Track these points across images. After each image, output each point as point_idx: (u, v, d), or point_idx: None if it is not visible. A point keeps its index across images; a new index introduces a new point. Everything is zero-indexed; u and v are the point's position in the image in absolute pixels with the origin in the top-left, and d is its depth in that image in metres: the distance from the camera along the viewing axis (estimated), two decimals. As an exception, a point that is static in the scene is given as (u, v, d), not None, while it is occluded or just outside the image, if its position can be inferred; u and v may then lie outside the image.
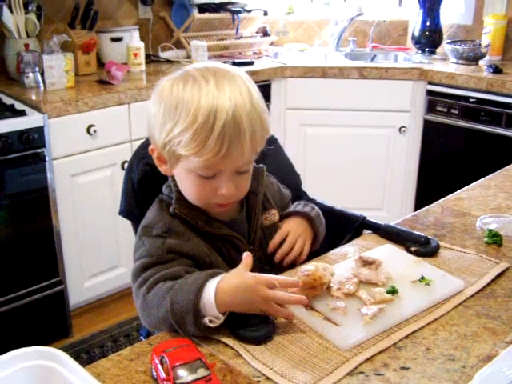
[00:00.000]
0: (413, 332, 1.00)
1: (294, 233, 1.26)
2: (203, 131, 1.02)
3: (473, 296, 1.11)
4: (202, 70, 1.09)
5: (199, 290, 0.97)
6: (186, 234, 1.14)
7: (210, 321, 0.96)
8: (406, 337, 0.98)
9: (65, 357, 0.79)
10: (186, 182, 1.13)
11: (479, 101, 2.94)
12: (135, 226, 1.34)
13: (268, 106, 2.98)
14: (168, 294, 1.00)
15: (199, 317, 0.96)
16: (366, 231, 1.39)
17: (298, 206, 1.33)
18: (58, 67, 2.59)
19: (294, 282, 1.03)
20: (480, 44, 3.27)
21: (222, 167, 1.07)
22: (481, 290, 1.13)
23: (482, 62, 3.23)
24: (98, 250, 2.68)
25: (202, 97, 1.03)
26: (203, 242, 1.15)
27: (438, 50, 3.55)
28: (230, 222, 1.20)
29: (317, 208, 1.33)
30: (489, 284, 1.15)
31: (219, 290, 0.97)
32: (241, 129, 1.03)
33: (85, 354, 2.52)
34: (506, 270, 1.20)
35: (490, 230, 1.34)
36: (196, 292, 0.97)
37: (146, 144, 1.34)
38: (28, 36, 2.75)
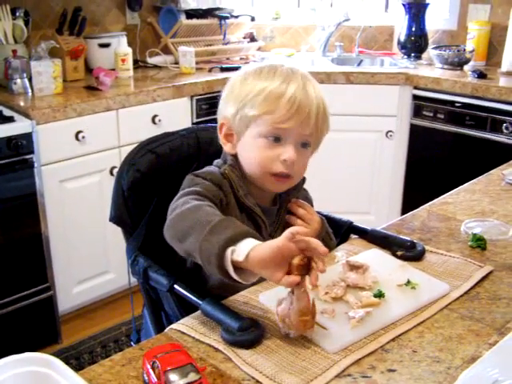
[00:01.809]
0: (399, 335, 1.01)
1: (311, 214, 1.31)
2: (276, 93, 1.16)
3: (458, 299, 1.13)
4: (279, 63, 1.23)
5: (251, 233, 0.99)
6: (228, 196, 1.21)
7: (232, 255, 0.96)
8: (393, 339, 1.00)
9: (58, 363, 0.80)
10: (251, 148, 1.20)
11: (464, 105, 2.98)
12: (125, 232, 1.35)
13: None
14: (221, 215, 1.04)
15: (233, 240, 0.96)
16: (353, 236, 1.42)
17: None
18: (46, 73, 2.59)
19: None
20: (464, 49, 3.31)
21: (289, 130, 1.16)
22: (465, 293, 1.15)
23: (466, 67, 3.27)
24: (86, 256, 2.69)
25: (276, 74, 1.18)
26: (236, 212, 1.21)
27: (424, 55, 3.59)
28: (263, 209, 1.26)
29: (334, 240, 1.37)
30: (473, 287, 1.17)
31: (259, 244, 0.97)
32: (309, 99, 1.17)
33: (74, 360, 2.52)
34: (490, 273, 1.23)
35: (475, 234, 1.36)
36: (250, 231, 0.99)
37: (136, 151, 1.35)
38: (16, 42, 2.75)
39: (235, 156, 1.25)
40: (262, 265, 0.94)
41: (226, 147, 1.26)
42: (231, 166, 1.23)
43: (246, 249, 0.95)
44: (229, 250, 0.95)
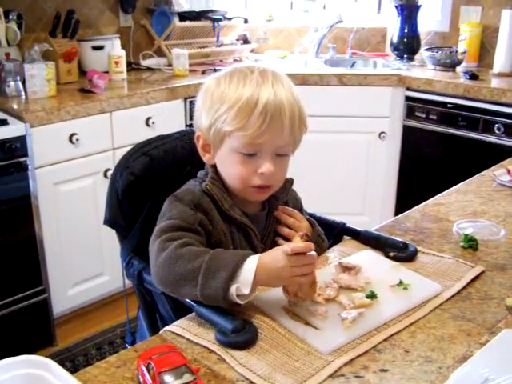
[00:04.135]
0: (392, 335, 1.03)
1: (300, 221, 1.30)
2: (247, 107, 1.12)
3: (449, 299, 1.14)
4: (248, 65, 1.20)
5: (244, 256, 1.04)
6: (211, 213, 1.19)
7: (237, 291, 1.02)
8: (385, 340, 1.01)
9: (53, 365, 0.81)
10: (228, 163, 1.19)
11: (456, 106, 3.00)
12: (120, 235, 1.36)
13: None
14: (205, 254, 1.05)
15: (233, 278, 1.01)
16: (345, 237, 1.43)
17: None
18: (40, 76, 2.59)
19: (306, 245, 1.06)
20: (456, 51, 3.33)
21: (263, 144, 1.14)
22: (457, 293, 1.16)
23: (458, 69, 3.29)
24: (81, 258, 2.69)
25: (246, 82, 1.15)
26: (223, 226, 1.20)
27: (416, 57, 3.61)
28: (250, 216, 1.25)
29: (326, 241, 1.37)
30: (465, 287, 1.18)
31: (260, 264, 1.04)
32: (281, 109, 1.13)
33: (69, 363, 2.52)
34: (481, 273, 1.24)
35: (466, 235, 1.37)
36: (241, 257, 1.04)
37: (130, 154, 1.36)
38: (9, 45, 2.75)
39: (215, 166, 1.23)
40: (268, 285, 1.09)
41: (205, 158, 1.24)
42: (212, 178, 1.22)
43: (249, 280, 1.02)
44: (233, 288, 1.01)
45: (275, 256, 1.05)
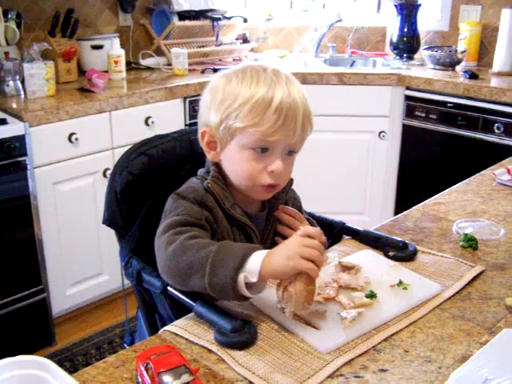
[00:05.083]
0: (391, 335, 1.02)
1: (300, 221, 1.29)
2: (262, 104, 1.12)
3: (449, 299, 1.14)
4: (260, 64, 1.21)
5: (254, 248, 1.04)
6: (214, 211, 1.18)
7: (245, 279, 1.00)
8: (385, 340, 1.01)
9: (52, 365, 0.80)
10: (237, 160, 1.18)
11: (456, 106, 3.00)
12: (118, 234, 1.36)
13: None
14: (213, 245, 1.04)
15: (241, 266, 1.00)
16: (345, 237, 1.42)
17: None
18: (39, 75, 2.59)
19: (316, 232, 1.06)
20: (456, 50, 3.33)
21: (276, 141, 1.14)
22: (457, 292, 1.16)
23: (458, 68, 3.29)
24: (80, 258, 2.69)
25: (260, 80, 1.14)
26: (226, 225, 1.20)
27: (416, 56, 3.61)
28: (251, 216, 1.24)
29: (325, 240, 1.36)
30: (464, 287, 1.18)
31: (269, 253, 1.02)
32: (295, 107, 1.14)
33: (68, 362, 2.52)
34: (481, 273, 1.24)
35: (466, 234, 1.37)
36: (250, 248, 1.03)
37: (129, 153, 1.36)
38: (8, 44, 2.75)
39: (218, 164, 1.23)
40: (275, 276, 1.04)
41: (209, 155, 1.23)
42: (214, 177, 1.21)
43: (257, 267, 1.00)
44: (241, 277, 1.00)
45: (287, 240, 1.05)
